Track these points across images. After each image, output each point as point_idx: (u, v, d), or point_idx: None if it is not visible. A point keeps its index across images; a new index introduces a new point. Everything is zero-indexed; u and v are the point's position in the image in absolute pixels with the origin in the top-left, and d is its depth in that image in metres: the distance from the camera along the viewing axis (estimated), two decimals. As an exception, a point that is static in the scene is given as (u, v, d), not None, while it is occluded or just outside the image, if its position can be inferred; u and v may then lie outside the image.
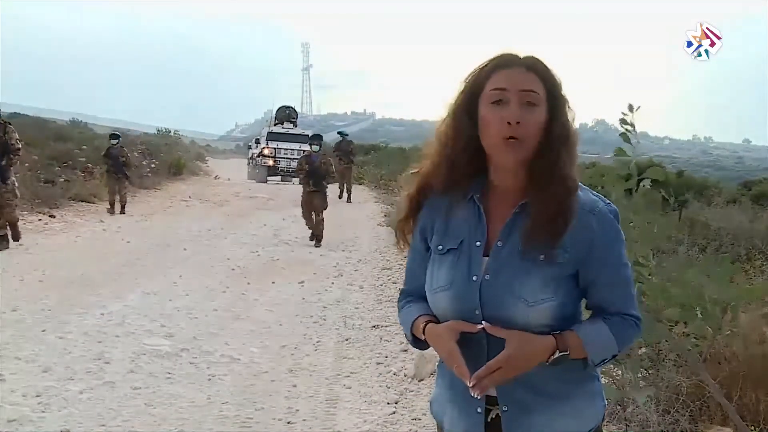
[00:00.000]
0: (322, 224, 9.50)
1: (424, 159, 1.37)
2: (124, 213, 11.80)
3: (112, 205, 11.78)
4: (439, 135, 1.34)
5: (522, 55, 1.28)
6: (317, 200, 9.54)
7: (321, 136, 10.89)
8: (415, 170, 1.39)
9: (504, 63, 1.27)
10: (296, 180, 10.92)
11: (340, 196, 15.66)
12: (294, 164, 21.50)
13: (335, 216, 12.86)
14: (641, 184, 2.49)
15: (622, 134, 2.47)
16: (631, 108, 2.44)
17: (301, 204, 9.74)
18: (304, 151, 21.28)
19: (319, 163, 9.69)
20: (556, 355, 1.22)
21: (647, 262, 2.46)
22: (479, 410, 1.30)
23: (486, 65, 1.29)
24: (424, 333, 1.34)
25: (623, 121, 2.45)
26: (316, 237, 9.47)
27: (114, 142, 12.34)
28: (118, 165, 12.02)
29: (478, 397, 1.24)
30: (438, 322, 1.32)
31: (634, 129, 2.46)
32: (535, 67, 1.26)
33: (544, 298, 1.23)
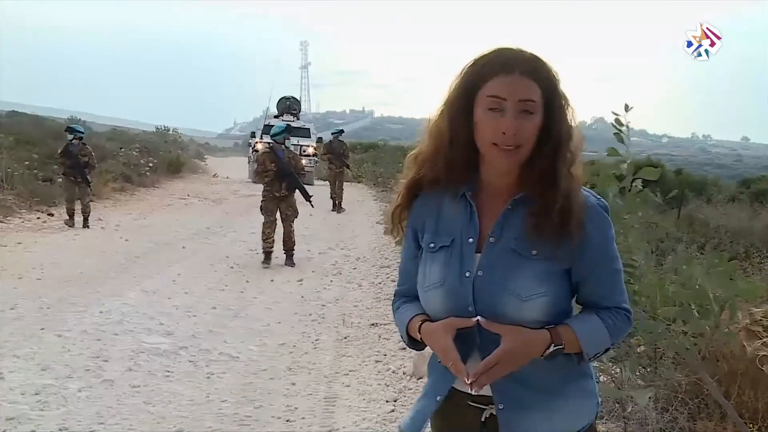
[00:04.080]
0: (293, 234, 7.83)
1: (421, 145, 1.36)
2: (87, 226, 9.70)
3: (71, 215, 9.71)
4: (435, 130, 1.33)
5: (521, 51, 1.25)
6: (290, 207, 7.78)
7: (289, 127, 8.59)
8: (413, 155, 1.38)
9: (504, 68, 1.22)
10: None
11: (333, 208, 13.45)
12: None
13: (333, 215, 12.88)
14: (633, 183, 2.48)
15: (615, 134, 2.47)
16: (626, 108, 2.44)
17: (265, 213, 7.72)
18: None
19: (287, 158, 7.77)
20: (551, 349, 1.22)
21: (636, 263, 2.46)
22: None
23: (485, 63, 1.25)
24: (420, 332, 1.33)
25: (618, 122, 2.44)
26: (288, 251, 7.78)
27: (71, 137, 9.87)
28: (78, 167, 9.70)
29: (474, 393, 1.24)
30: (432, 321, 1.32)
31: (628, 129, 2.46)
32: (534, 72, 1.23)
33: (537, 293, 1.23)
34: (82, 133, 10.23)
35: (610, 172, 2.46)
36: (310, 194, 8.10)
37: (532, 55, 1.25)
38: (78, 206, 9.74)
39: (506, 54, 1.25)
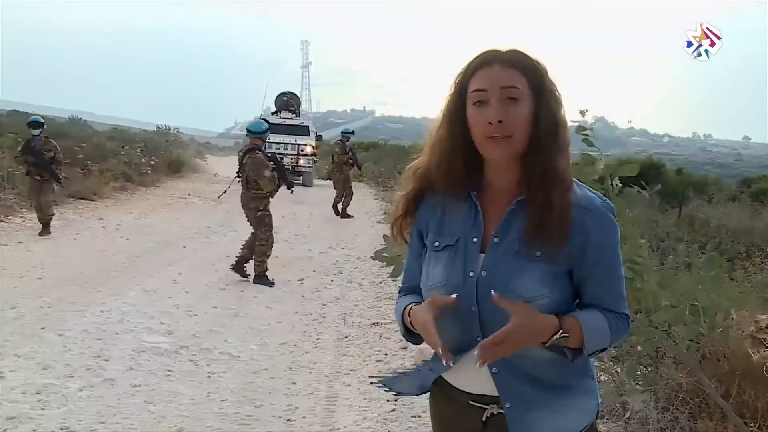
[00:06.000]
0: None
1: (420, 158, 1.38)
2: (48, 233, 8.65)
3: (44, 224, 8.70)
4: (434, 136, 1.34)
5: (504, 50, 1.27)
6: (269, 214, 6.90)
7: (267, 123, 7.31)
8: (411, 169, 1.39)
9: (484, 62, 1.26)
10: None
11: (339, 212, 12.39)
12: (287, 160, 17.88)
13: (333, 214, 12.84)
14: (613, 183, 2.47)
15: (584, 140, 2.46)
16: (582, 112, 2.45)
17: (269, 228, 6.82)
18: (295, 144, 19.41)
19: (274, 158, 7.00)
20: (558, 336, 1.21)
21: (640, 261, 2.44)
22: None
23: (469, 65, 1.28)
24: (410, 317, 1.34)
25: (580, 128, 2.44)
26: (260, 267, 6.73)
27: (36, 132, 8.73)
28: (44, 163, 8.66)
29: (479, 368, 1.19)
30: None
31: (593, 132, 2.46)
32: (515, 62, 1.25)
33: (540, 294, 1.23)
34: (43, 125, 9.00)
35: (590, 177, 2.42)
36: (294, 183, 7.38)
37: (512, 48, 1.28)
38: (41, 210, 8.71)
39: (487, 51, 1.28)
